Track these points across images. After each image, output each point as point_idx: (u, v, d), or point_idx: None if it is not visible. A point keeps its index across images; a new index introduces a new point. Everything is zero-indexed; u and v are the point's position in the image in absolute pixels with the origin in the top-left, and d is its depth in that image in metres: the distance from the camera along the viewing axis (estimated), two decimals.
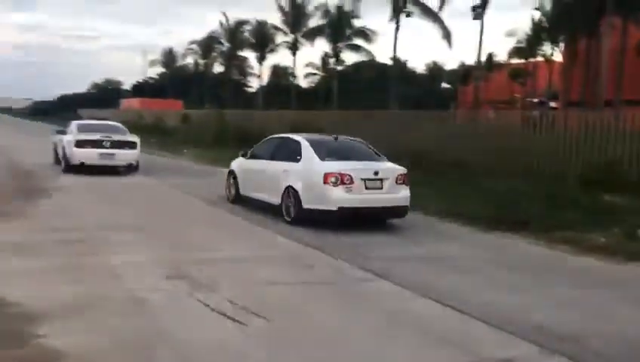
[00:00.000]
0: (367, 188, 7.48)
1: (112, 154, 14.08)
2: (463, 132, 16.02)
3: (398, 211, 7.93)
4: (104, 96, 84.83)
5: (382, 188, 7.58)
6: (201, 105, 56.12)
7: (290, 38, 44.02)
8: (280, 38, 45.98)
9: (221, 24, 52.43)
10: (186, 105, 59.70)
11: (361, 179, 7.45)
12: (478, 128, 16.24)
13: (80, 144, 13.70)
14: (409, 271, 6.08)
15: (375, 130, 16.99)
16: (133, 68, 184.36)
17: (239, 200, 10.01)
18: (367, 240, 7.65)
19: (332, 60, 43.44)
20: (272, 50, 48.93)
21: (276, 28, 45.28)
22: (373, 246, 7.26)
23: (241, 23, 51.31)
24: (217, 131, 28.92)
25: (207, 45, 57.46)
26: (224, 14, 52.04)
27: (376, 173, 7.53)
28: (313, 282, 5.56)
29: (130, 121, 44.20)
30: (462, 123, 18.30)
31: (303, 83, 60.51)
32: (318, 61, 53.18)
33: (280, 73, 64.54)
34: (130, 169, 14.52)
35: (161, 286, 5.19)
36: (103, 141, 13.98)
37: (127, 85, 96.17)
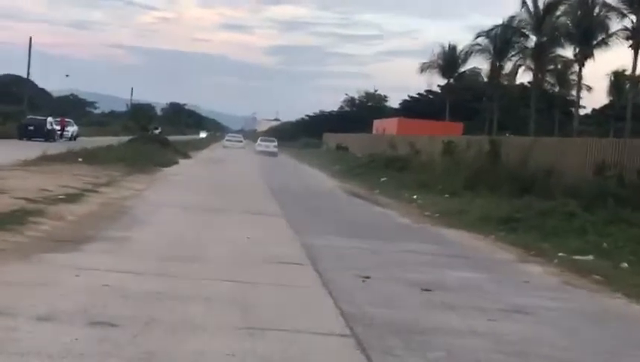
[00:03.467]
0: (263, 145, 65.54)
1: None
2: None
3: (273, 153, 61.67)
4: (360, 116, 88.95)
5: (269, 146, 64.01)
6: (495, 130, 54.28)
7: (630, 21, 39.83)
8: (615, 25, 42.05)
9: (524, 4, 50.08)
10: (468, 130, 58.47)
11: (264, 143, 66.29)
12: None
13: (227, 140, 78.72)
14: None
15: None
16: (412, 78, 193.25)
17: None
18: None
19: None
20: (602, 43, 45.12)
21: (609, 6, 41.50)
22: None
23: (555, 3, 48.43)
24: (478, 169, 27.07)
25: (503, 39, 55.57)
26: None
27: (267, 142, 66.54)
28: None
29: (376, 154, 45.17)
30: None
31: None
32: None
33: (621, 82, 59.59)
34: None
35: None
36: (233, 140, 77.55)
37: (394, 102, 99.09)
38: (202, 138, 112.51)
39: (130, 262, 9.71)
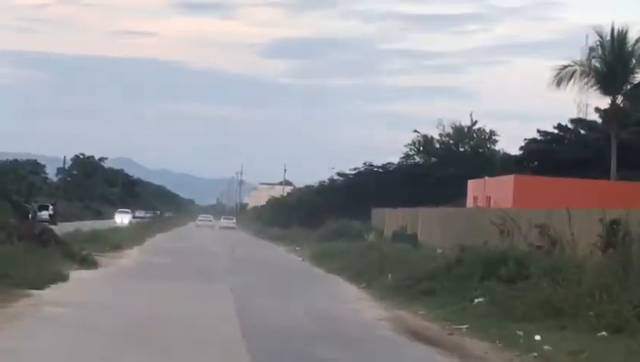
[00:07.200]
0: (225, 222, 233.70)
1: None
2: None
3: (232, 228, 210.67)
4: (444, 173, 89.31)
5: (229, 223, 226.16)
6: None
7: None
8: None
9: None
10: None
11: (225, 221, 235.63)
12: None
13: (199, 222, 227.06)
14: None
15: None
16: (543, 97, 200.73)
17: None
18: None
19: None
20: None
21: None
22: None
23: None
24: None
25: None
26: None
27: (227, 220, 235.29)
28: None
29: (470, 247, 44.90)
30: None
31: None
32: None
33: None
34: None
35: None
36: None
37: (509, 143, 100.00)
38: (122, 226, 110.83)
39: None
